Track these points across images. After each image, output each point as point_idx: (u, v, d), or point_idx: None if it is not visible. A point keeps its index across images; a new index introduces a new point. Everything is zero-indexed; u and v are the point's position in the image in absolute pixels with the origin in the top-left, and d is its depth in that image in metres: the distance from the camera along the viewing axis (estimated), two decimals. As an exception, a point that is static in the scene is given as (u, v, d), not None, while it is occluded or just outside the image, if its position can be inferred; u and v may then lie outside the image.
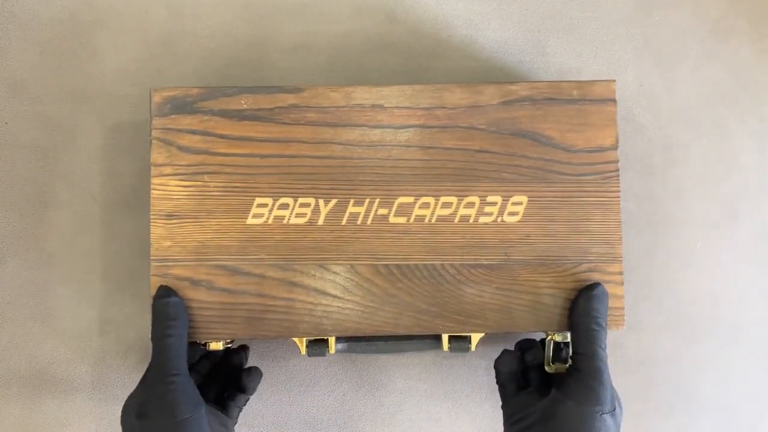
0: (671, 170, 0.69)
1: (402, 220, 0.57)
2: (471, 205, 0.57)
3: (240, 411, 0.58)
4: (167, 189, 0.57)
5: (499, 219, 0.57)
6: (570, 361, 0.54)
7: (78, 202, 0.66)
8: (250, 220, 0.57)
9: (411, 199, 0.57)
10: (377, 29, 0.68)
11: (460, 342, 0.59)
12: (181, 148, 0.57)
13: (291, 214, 0.57)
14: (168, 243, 0.56)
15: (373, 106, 0.58)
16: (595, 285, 0.56)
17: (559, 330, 0.57)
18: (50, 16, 0.68)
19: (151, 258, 0.56)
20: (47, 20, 0.67)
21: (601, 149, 0.58)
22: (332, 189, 0.57)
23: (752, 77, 0.70)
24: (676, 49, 0.70)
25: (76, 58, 0.67)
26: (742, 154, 0.69)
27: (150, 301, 0.55)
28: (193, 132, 0.57)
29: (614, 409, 0.52)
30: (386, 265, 0.57)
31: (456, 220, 0.57)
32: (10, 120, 0.66)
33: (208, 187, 0.57)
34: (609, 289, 0.56)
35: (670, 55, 0.70)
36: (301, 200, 0.57)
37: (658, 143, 0.69)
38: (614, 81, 0.58)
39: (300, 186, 0.57)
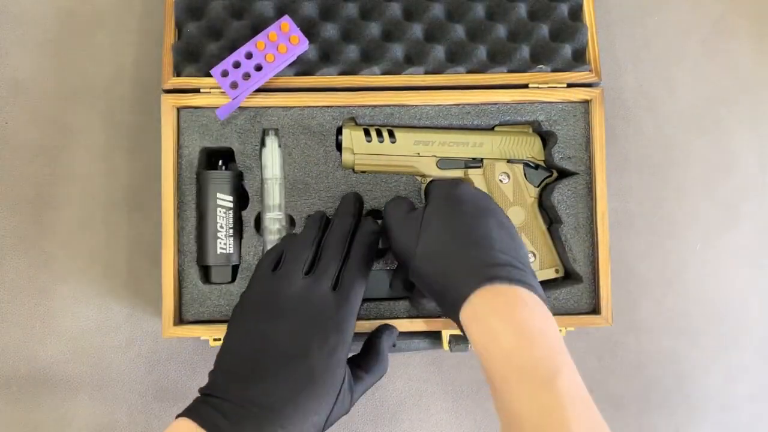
0: (671, 170, 0.69)
1: None
2: None
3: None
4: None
5: None
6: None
7: (78, 202, 0.66)
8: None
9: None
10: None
11: (460, 342, 0.59)
12: None
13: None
14: None
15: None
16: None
17: None
18: (50, 16, 0.68)
19: None
20: (47, 20, 0.67)
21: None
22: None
23: (752, 77, 0.70)
24: (676, 49, 0.70)
25: (76, 58, 0.67)
26: (742, 154, 0.69)
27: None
28: None
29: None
30: None
31: None
32: (10, 120, 0.66)
33: None
34: None
35: (670, 55, 0.70)
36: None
37: (658, 143, 0.69)
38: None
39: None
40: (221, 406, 0.45)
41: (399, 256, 0.54)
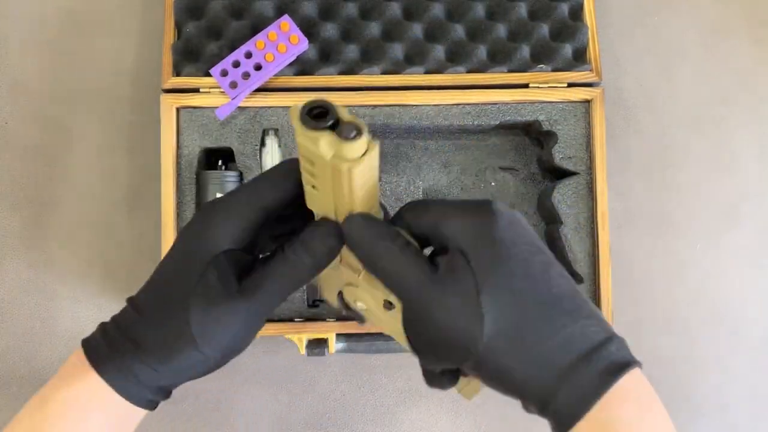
0: (671, 170, 0.69)
1: None
2: None
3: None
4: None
5: None
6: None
7: (78, 202, 0.66)
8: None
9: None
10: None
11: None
12: None
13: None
14: None
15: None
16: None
17: None
18: (50, 16, 0.68)
19: None
20: (47, 20, 0.67)
21: None
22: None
23: (752, 77, 0.70)
24: (676, 49, 0.70)
25: (76, 58, 0.67)
26: (742, 154, 0.69)
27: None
28: None
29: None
30: None
31: None
32: (10, 120, 0.66)
33: None
34: None
35: (670, 55, 0.70)
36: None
37: (658, 143, 0.69)
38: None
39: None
40: (109, 332, 0.39)
41: (443, 345, 0.35)
